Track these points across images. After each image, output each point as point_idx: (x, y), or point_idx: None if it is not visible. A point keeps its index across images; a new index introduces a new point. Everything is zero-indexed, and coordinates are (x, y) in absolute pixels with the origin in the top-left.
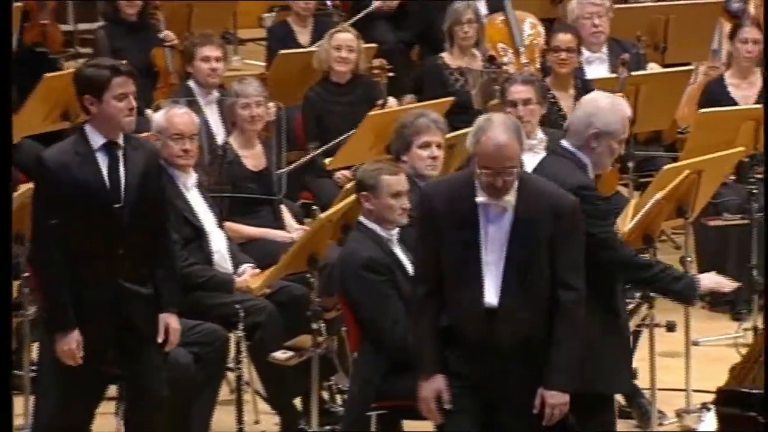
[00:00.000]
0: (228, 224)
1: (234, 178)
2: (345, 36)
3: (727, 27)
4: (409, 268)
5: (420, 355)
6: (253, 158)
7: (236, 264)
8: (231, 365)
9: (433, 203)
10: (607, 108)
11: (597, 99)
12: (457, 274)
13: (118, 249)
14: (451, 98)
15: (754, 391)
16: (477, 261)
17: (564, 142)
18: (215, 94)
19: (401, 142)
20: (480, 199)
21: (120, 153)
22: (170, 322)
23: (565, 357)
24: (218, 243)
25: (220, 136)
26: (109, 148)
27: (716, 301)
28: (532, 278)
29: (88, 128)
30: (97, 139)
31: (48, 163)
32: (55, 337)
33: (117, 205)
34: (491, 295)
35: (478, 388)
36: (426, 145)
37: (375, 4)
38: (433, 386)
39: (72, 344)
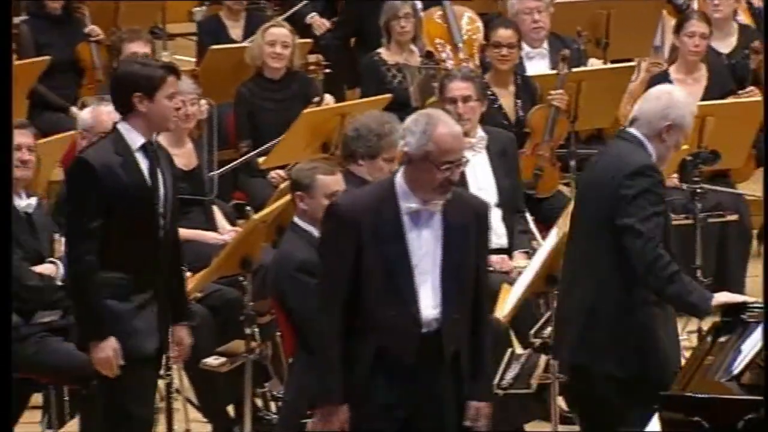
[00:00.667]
0: None
1: None
2: (279, 31)
3: (670, 22)
4: None
5: (327, 382)
6: (183, 157)
7: None
8: (161, 372)
9: (355, 216)
10: (683, 102)
11: (672, 92)
12: (387, 291)
13: (158, 254)
14: (388, 95)
15: (698, 395)
16: (409, 274)
17: (632, 130)
18: None
19: (366, 148)
20: (412, 205)
21: (155, 154)
22: (184, 336)
23: (490, 367)
24: None
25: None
26: (146, 148)
27: None
28: (467, 286)
29: (124, 127)
30: (136, 139)
31: (92, 164)
32: (91, 345)
33: (158, 208)
34: (428, 309)
35: (410, 420)
36: (391, 160)
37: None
38: (341, 418)
39: (109, 352)
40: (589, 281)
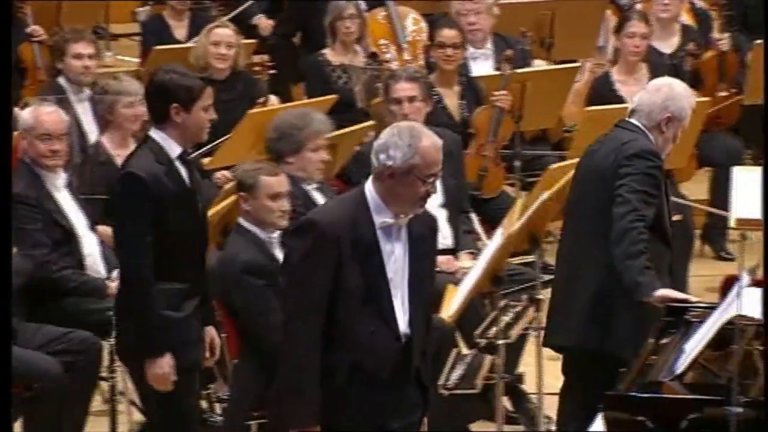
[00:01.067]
0: (101, 228)
1: (107, 179)
2: (223, 31)
3: (614, 22)
4: None
5: (302, 403)
6: None
7: (110, 269)
8: (104, 374)
9: (335, 231)
10: (683, 95)
11: (672, 84)
12: (365, 307)
13: (203, 261)
14: (333, 96)
15: (641, 395)
16: (387, 289)
17: (632, 120)
18: (87, 91)
19: (290, 144)
20: (387, 219)
21: (191, 162)
22: (214, 335)
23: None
24: (90, 247)
25: (93, 135)
26: (183, 156)
27: None
28: (428, 297)
29: (160, 137)
30: (174, 149)
31: (141, 175)
32: (147, 361)
33: (200, 215)
34: (402, 323)
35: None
36: (318, 149)
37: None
38: None
39: (166, 368)
40: (594, 265)
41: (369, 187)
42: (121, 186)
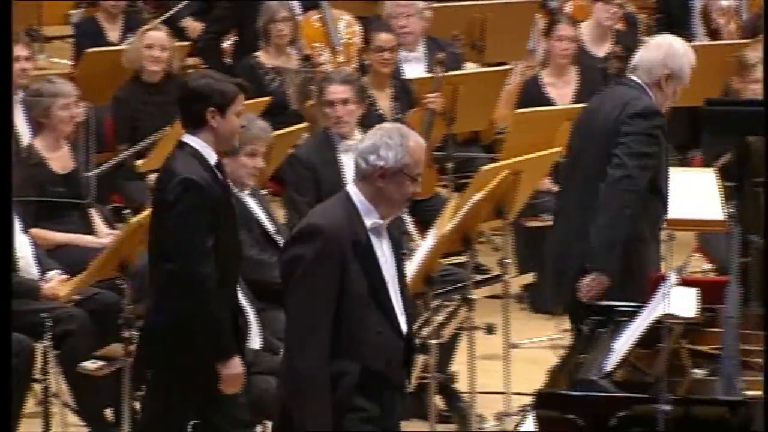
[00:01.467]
0: (34, 230)
1: (40, 182)
2: (157, 34)
3: (542, 25)
4: None
5: (319, 411)
6: (59, 160)
7: (43, 270)
8: (37, 376)
9: (340, 234)
10: (682, 53)
11: (673, 42)
12: (372, 309)
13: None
14: (267, 98)
15: (571, 393)
16: (386, 289)
17: (633, 77)
18: (21, 94)
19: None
20: (376, 221)
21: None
22: None
23: None
24: (23, 248)
25: (25, 138)
26: (219, 163)
27: (536, 304)
28: (410, 296)
29: (199, 143)
30: (211, 155)
31: (198, 181)
32: (219, 366)
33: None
34: (403, 322)
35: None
36: (253, 154)
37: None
38: None
39: (238, 369)
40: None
41: (354, 190)
42: (180, 191)
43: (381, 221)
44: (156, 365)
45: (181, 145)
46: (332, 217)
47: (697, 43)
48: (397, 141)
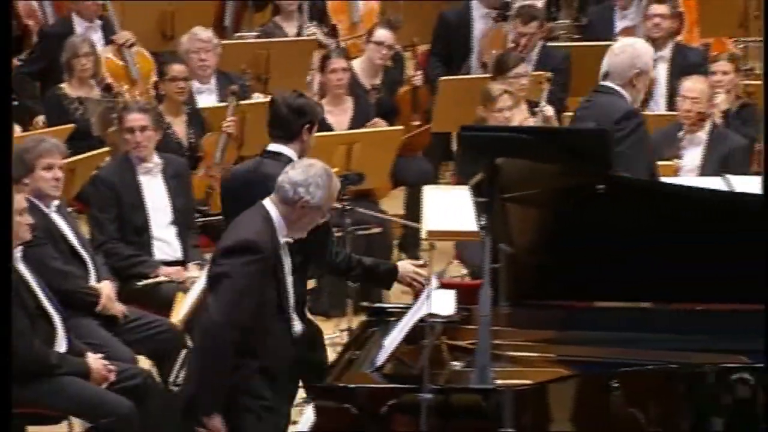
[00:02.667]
0: None
1: None
2: None
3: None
4: (34, 285)
5: (215, 396)
6: None
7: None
8: None
9: (269, 249)
10: (644, 51)
11: (634, 44)
12: (276, 317)
13: None
14: (71, 125)
15: (347, 386)
16: (288, 299)
17: (606, 83)
18: None
19: (23, 166)
20: (289, 239)
21: None
22: None
23: None
24: None
25: None
26: None
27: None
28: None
29: (290, 152)
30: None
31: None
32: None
33: None
34: (298, 327)
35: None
36: (50, 167)
37: None
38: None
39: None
40: None
41: (272, 208)
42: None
43: (290, 239)
44: None
45: (273, 154)
46: (261, 233)
47: (462, 77)
48: (325, 183)
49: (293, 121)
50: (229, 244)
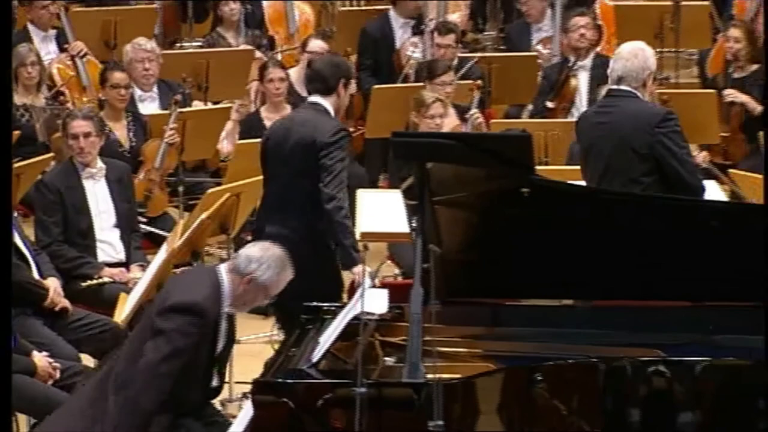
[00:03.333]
0: None
1: None
2: None
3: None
4: None
5: None
6: None
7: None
8: None
9: (211, 314)
10: (651, 52)
11: (642, 48)
12: (199, 380)
13: None
14: (17, 132)
15: (285, 381)
16: (213, 365)
17: (624, 87)
18: None
19: None
20: (231, 310)
21: None
22: None
23: None
24: None
25: None
26: None
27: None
28: None
29: (327, 104)
30: None
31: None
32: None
33: None
34: (216, 379)
35: None
36: None
37: None
38: None
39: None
40: None
41: (225, 276)
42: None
43: (232, 311)
44: None
45: (310, 104)
46: (208, 298)
47: (394, 86)
48: (278, 268)
49: (330, 76)
50: (177, 301)
